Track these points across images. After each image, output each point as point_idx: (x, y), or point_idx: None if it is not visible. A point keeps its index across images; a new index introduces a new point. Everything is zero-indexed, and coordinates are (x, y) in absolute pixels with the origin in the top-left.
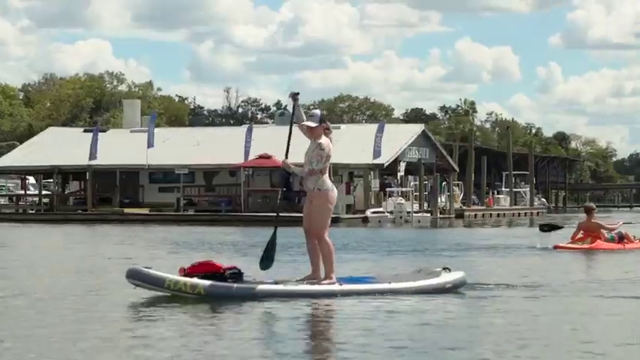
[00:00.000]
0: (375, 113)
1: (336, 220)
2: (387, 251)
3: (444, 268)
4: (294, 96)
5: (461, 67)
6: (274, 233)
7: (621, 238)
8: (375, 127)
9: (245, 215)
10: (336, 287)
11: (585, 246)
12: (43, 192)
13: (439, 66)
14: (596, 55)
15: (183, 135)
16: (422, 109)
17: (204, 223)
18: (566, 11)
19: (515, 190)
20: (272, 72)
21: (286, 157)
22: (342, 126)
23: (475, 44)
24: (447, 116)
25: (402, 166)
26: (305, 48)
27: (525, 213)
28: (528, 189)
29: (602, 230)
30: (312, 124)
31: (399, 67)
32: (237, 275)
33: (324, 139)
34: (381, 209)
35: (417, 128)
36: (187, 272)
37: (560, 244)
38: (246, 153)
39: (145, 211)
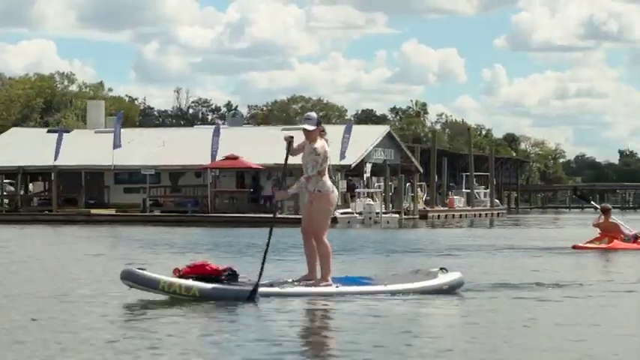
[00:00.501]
0: (329, 114)
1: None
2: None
3: (441, 269)
4: (289, 140)
5: (407, 68)
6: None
7: (636, 239)
8: (340, 128)
9: (212, 216)
10: (332, 289)
11: (603, 246)
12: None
13: (385, 67)
14: (540, 57)
15: (149, 136)
16: (372, 110)
17: (172, 223)
18: (511, 13)
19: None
20: (218, 73)
21: (280, 187)
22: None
23: (421, 46)
24: (398, 117)
25: (368, 167)
26: (251, 49)
27: (486, 214)
28: (483, 190)
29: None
30: (310, 127)
31: (345, 68)
32: (232, 277)
33: (318, 143)
34: (349, 210)
35: (382, 129)
36: (182, 274)
37: (579, 244)
38: (213, 154)
39: (112, 211)
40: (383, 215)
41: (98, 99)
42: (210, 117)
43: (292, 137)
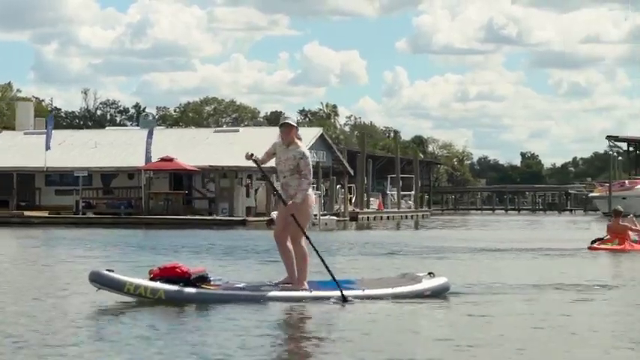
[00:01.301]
0: (241, 116)
1: (243, 223)
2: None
3: (429, 273)
4: (251, 157)
5: (309, 70)
6: None
7: None
8: (272, 130)
9: (148, 218)
10: (305, 293)
11: (617, 247)
12: None
13: (287, 69)
14: (441, 60)
15: (80, 137)
16: (282, 112)
17: (107, 225)
18: (412, 16)
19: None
20: (119, 74)
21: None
22: (240, 129)
23: (323, 48)
24: (307, 119)
25: None
26: (153, 50)
27: (412, 215)
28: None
29: (629, 232)
30: (293, 123)
31: (247, 69)
32: (202, 279)
33: (303, 147)
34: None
35: (315, 131)
36: (153, 276)
37: (594, 246)
38: (148, 156)
39: (45, 213)
40: (321, 217)
41: (6, 100)
42: (118, 119)
43: (252, 154)
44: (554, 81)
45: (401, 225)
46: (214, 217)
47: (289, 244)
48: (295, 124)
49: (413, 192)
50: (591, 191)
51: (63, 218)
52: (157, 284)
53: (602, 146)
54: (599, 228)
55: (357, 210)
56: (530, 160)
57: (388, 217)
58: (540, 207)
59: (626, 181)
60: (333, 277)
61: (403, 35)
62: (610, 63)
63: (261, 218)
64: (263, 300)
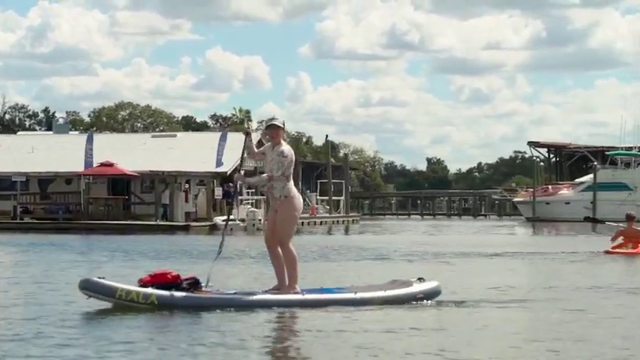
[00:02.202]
0: (157, 121)
1: (186, 228)
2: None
3: (419, 279)
4: (248, 131)
5: (212, 75)
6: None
7: None
8: (210, 135)
9: (89, 223)
10: (298, 297)
11: (632, 250)
12: None
13: (190, 74)
14: (344, 65)
15: (18, 142)
16: (192, 117)
17: (47, 230)
18: (315, 22)
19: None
20: (20, 77)
21: (239, 171)
22: (178, 134)
23: (226, 53)
24: (218, 124)
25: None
26: (54, 54)
27: (343, 221)
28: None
29: None
30: (280, 124)
31: (149, 74)
32: (193, 285)
33: (285, 146)
34: (232, 217)
35: (254, 137)
36: (143, 283)
37: (610, 249)
38: (88, 160)
39: None
40: (266, 222)
41: None
42: (27, 123)
43: (250, 130)
44: (456, 87)
45: (334, 230)
46: (157, 222)
47: (279, 250)
48: (282, 126)
49: (342, 197)
50: (505, 196)
51: (1, 223)
52: (149, 290)
53: (508, 152)
54: (524, 232)
55: None
56: (435, 166)
57: (321, 222)
58: (455, 212)
59: (550, 187)
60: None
61: (306, 41)
62: (511, 69)
63: (203, 223)
64: (255, 305)
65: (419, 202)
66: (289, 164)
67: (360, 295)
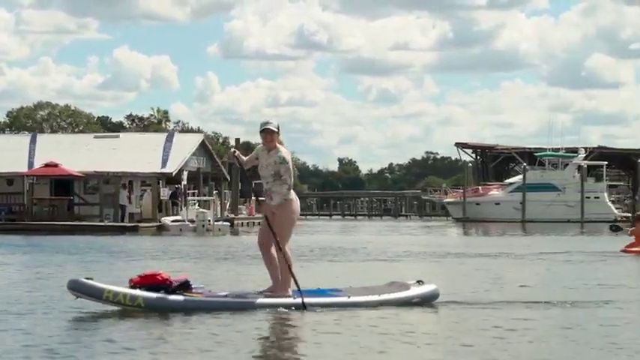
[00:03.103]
0: (77, 121)
1: (135, 229)
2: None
3: (418, 281)
4: (234, 154)
5: (119, 74)
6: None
7: None
8: (153, 136)
9: (34, 224)
10: (289, 300)
11: None
12: None
13: (97, 73)
14: (252, 65)
15: None
16: (107, 117)
17: None
18: (223, 21)
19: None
20: None
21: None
22: (120, 135)
23: (133, 52)
24: (134, 125)
25: (185, 175)
26: None
27: None
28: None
29: None
30: (274, 129)
31: (55, 73)
32: (184, 287)
33: (284, 151)
34: (179, 217)
35: (197, 138)
36: (133, 284)
37: (627, 249)
38: (31, 161)
39: None
40: (215, 223)
41: None
42: None
43: (234, 151)
44: (364, 87)
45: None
46: (105, 223)
47: (273, 252)
48: (276, 130)
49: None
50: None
51: None
52: (137, 292)
53: (420, 152)
54: (456, 233)
55: (232, 215)
56: (347, 166)
57: (259, 222)
58: (375, 212)
59: (480, 188)
60: (297, 285)
61: (214, 40)
62: (418, 70)
63: (151, 224)
64: (245, 307)
65: (338, 202)
66: (292, 170)
67: (353, 299)
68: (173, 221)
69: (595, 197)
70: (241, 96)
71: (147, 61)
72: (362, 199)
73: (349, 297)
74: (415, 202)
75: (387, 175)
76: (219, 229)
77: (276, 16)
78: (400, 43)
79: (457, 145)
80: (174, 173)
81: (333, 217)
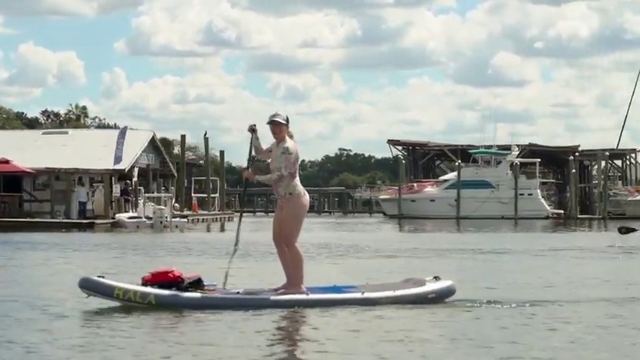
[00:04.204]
0: None
1: (90, 226)
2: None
3: (435, 277)
4: (253, 128)
5: (25, 70)
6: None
7: None
8: (102, 132)
9: None
10: (302, 297)
11: None
12: None
13: (2, 69)
14: (160, 61)
15: None
16: (23, 112)
17: None
18: (131, 17)
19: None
20: None
21: (247, 168)
22: (69, 131)
23: (39, 48)
24: (50, 120)
25: (136, 171)
26: None
27: (220, 218)
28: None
29: None
30: (281, 120)
31: None
32: (196, 284)
33: (289, 142)
34: (135, 214)
35: (147, 135)
36: (145, 281)
37: None
38: None
39: None
40: (173, 220)
41: None
42: None
43: (255, 125)
44: (273, 84)
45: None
46: (61, 219)
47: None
48: (283, 122)
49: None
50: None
51: None
52: (148, 289)
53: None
54: (389, 229)
55: (179, 212)
56: (260, 163)
57: (203, 219)
58: (326, 209)
59: (415, 185)
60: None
61: (122, 36)
62: (326, 68)
63: (105, 221)
64: (258, 305)
65: (259, 199)
66: (295, 161)
67: (367, 295)
68: (130, 218)
69: (528, 194)
70: (149, 92)
71: (53, 57)
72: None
73: (363, 293)
74: (336, 199)
75: (300, 172)
76: (176, 226)
77: (185, 13)
78: (308, 41)
79: (389, 142)
80: (126, 170)
81: (257, 213)
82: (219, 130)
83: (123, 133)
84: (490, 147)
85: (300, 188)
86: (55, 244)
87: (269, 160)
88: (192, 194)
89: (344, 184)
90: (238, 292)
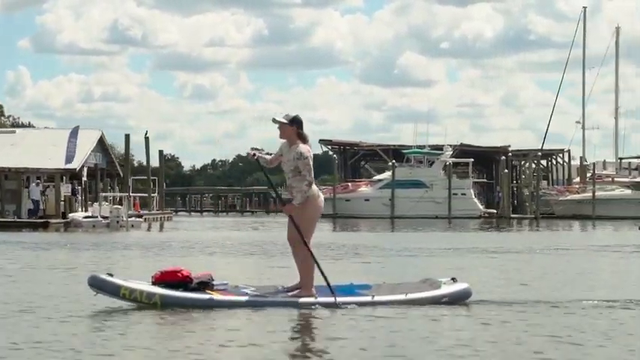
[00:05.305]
0: None
1: (45, 225)
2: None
3: (452, 279)
4: (254, 155)
5: None
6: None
7: None
8: (52, 132)
9: None
10: (310, 299)
11: None
12: None
13: None
14: (65, 59)
15: None
16: None
17: None
18: (35, 15)
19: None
20: None
21: (283, 203)
22: (17, 130)
23: None
24: None
25: (85, 171)
26: None
27: (160, 217)
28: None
29: None
30: (284, 120)
31: None
32: (204, 284)
33: (302, 147)
34: (90, 214)
35: (96, 134)
36: (154, 281)
37: None
38: None
39: None
40: (129, 219)
41: None
42: None
43: (254, 152)
44: (179, 83)
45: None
46: (14, 219)
47: (300, 249)
48: (285, 121)
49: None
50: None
51: None
52: (154, 289)
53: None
54: (322, 228)
55: (143, 211)
56: (171, 162)
57: (146, 218)
58: (221, 209)
59: (350, 184)
60: (328, 283)
61: (26, 34)
62: (233, 67)
63: (59, 220)
64: (263, 306)
65: (186, 198)
66: (311, 165)
67: (377, 298)
68: (85, 217)
69: (462, 194)
70: (54, 91)
71: None
72: (206, 195)
73: (373, 297)
74: (256, 199)
75: (210, 171)
76: (132, 225)
77: (90, 11)
78: (215, 40)
79: (321, 142)
80: (77, 169)
81: (179, 213)
82: (125, 130)
83: (75, 132)
84: (423, 147)
85: (315, 190)
86: (33, 243)
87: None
88: (131, 194)
89: (257, 183)
90: (246, 293)
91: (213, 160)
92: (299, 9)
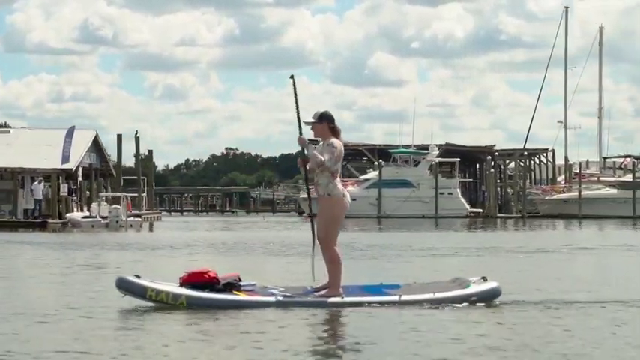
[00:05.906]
0: None
1: (43, 225)
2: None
3: (482, 277)
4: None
5: None
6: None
7: None
8: (47, 132)
9: None
10: (337, 299)
11: None
12: None
13: None
14: (35, 59)
15: None
16: None
17: None
18: (5, 14)
19: None
20: None
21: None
22: (11, 130)
23: None
24: None
25: (80, 171)
26: None
27: (150, 217)
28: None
29: None
30: (312, 120)
31: None
32: (231, 285)
33: (334, 140)
34: (88, 214)
35: (90, 134)
36: (182, 282)
37: None
38: None
39: None
40: (128, 219)
41: None
42: None
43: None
44: (150, 83)
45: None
46: (12, 219)
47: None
48: (314, 120)
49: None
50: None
51: None
52: (180, 290)
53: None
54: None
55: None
56: (145, 162)
57: (145, 218)
58: (202, 209)
59: None
60: (313, 276)
61: None
62: (204, 66)
63: (58, 220)
64: (291, 306)
65: (165, 197)
66: (338, 157)
67: (404, 297)
68: (84, 217)
69: (449, 193)
70: (24, 90)
71: None
72: (186, 195)
73: (400, 297)
74: (236, 199)
75: (184, 171)
76: (131, 225)
77: (60, 10)
78: (186, 40)
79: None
80: (73, 169)
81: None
82: (96, 129)
83: (70, 132)
84: (409, 146)
85: (340, 189)
86: (41, 243)
87: None
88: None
89: (233, 183)
90: (273, 293)
91: (187, 160)
92: (270, 9)
